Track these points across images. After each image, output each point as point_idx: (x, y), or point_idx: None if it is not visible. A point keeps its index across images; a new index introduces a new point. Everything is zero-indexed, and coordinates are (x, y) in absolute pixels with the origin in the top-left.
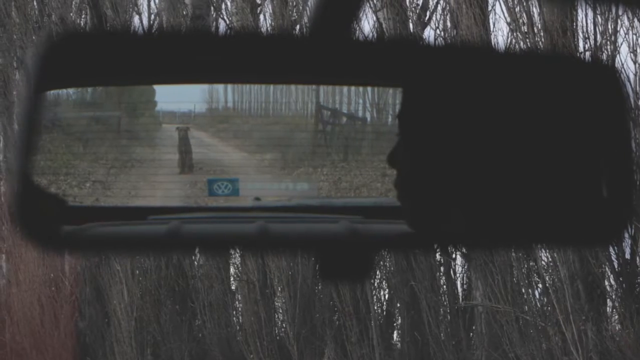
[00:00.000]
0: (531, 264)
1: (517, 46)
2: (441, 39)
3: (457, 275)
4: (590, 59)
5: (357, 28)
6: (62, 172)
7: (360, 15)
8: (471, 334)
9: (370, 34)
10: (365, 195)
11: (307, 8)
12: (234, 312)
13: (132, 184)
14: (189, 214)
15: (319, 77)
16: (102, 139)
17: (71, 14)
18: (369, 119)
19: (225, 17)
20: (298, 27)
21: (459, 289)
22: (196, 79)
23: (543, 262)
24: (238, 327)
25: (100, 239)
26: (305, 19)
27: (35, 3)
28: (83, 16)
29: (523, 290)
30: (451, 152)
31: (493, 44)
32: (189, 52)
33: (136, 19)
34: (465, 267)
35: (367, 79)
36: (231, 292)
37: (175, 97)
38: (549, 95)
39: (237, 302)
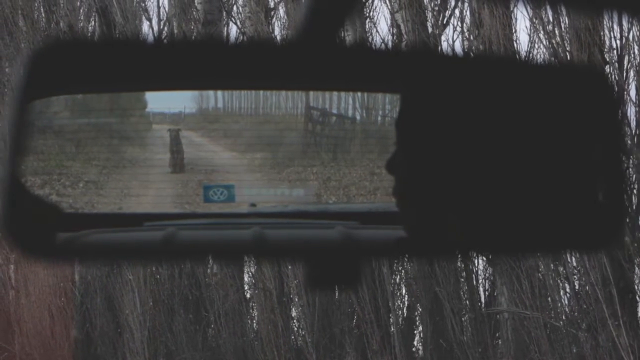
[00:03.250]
0: (560, 268)
1: (531, 50)
2: (439, 45)
3: (480, 280)
4: (580, 63)
5: (374, 30)
6: (55, 173)
7: (376, 17)
8: (496, 341)
9: (387, 37)
10: (361, 200)
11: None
12: (249, 321)
13: (125, 184)
14: (184, 220)
15: (313, 84)
16: (94, 141)
17: (80, 21)
18: (358, 118)
19: (237, 22)
20: (291, 33)
21: (482, 295)
22: (187, 86)
23: (572, 267)
24: (254, 336)
25: (96, 246)
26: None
27: (42, 12)
28: (91, 24)
29: (549, 295)
30: (449, 159)
31: (489, 51)
32: (180, 60)
33: (146, 25)
34: (489, 272)
35: (365, 86)
36: (246, 300)
37: (166, 99)
38: (544, 101)
39: (252, 311)
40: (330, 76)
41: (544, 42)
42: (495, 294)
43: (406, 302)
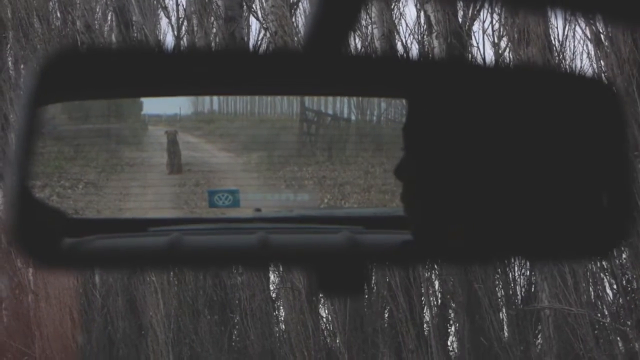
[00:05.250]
0: (604, 263)
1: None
2: (445, 53)
3: (517, 276)
4: (588, 74)
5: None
6: (55, 175)
7: (401, 9)
8: (535, 339)
9: (414, 28)
10: (366, 205)
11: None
12: (276, 321)
13: (123, 184)
14: (189, 225)
15: (320, 91)
16: (92, 144)
17: (96, 21)
18: (353, 118)
19: (260, 18)
20: (295, 41)
21: (519, 291)
22: (189, 92)
23: (617, 262)
24: (282, 337)
25: (101, 252)
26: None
27: (58, 12)
28: (108, 23)
29: (591, 291)
30: (457, 165)
31: (497, 58)
32: (182, 67)
33: (164, 22)
34: (528, 267)
35: (371, 92)
36: (272, 300)
37: (162, 101)
38: (551, 108)
39: (279, 311)
40: (337, 83)
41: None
42: (532, 290)
43: (439, 300)
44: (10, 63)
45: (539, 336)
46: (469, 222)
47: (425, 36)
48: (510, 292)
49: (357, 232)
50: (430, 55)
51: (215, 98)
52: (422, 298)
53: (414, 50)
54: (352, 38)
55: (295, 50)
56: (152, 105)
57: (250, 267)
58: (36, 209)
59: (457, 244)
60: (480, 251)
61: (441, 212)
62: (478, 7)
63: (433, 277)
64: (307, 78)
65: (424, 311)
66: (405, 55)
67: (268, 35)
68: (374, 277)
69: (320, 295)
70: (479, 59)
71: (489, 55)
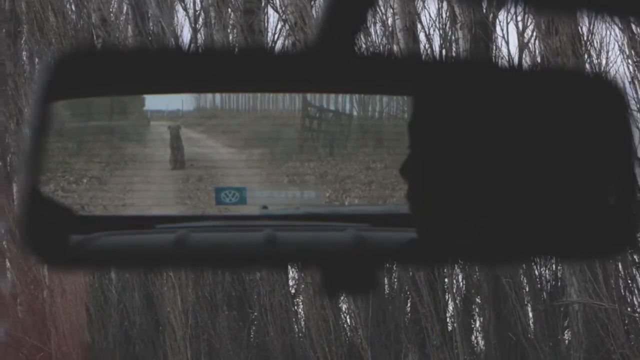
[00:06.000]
0: (635, 257)
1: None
2: (450, 51)
3: (543, 271)
4: (592, 72)
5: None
6: (59, 170)
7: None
8: (561, 335)
9: (437, 18)
10: (372, 203)
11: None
12: (296, 317)
13: (127, 179)
14: (196, 222)
15: (327, 88)
16: (96, 139)
17: (112, 14)
18: (355, 114)
19: (279, 10)
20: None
21: (546, 286)
22: (199, 90)
23: None
24: (300, 332)
25: (108, 249)
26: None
27: (73, 6)
28: (123, 16)
29: (622, 284)
30: (463, 163)
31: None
32: (192, 66)
33: (181, 15)
34: (553, 262)
35: (377, 90)
36: (291, 295)
37: (164, 96)
38: (556, 107)
39: (298, 306)
40: (344, 81)
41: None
42: (559, 284)
43: (463, 295)
44: (24, 57)
45: (567, 331)
46: (475, 220)
47: (448, 27)
48: (538, 287)
49: (363, 229)
50: (435, 53)
51: (217, 94)
52: (447, 293)
53: (436, 43)
54: (365, 33)
55: (301, 49)
56: (154, 101)
57: (257, 265)
58: (45, 206)
59: (464, 243)
60: (487, 250)
61: (447, 211)
62: (500, 6)
63: (458, 270)
64: (314, 77)
65: (448, 306)
66: (412, 53)
67: (287, 27)
68: (394, 273)
69: (327, 293)
70: (486, 58)
71: (514, 46)
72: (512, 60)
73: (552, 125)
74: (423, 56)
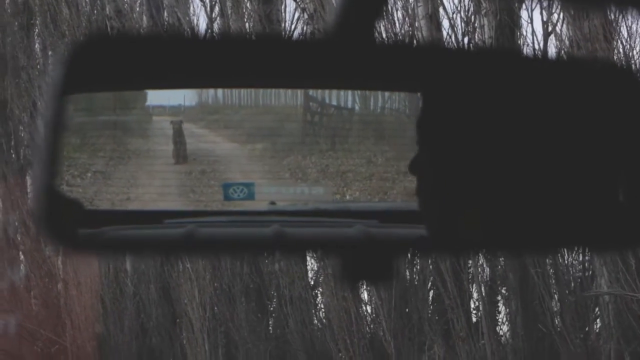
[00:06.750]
0: None
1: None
2: (463, 43)
3: (571, 262)
4: (606, 62)
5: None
6: (65, 164)
7: None
8: (588, 328)
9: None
10: (381, 199)
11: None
12: (315, 309)
13: (131, 174)
14: (205, 218)
15: (335, 83)
16: (100, 135)
17: (126, 4)
18: (357, 108)
19: None
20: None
21: (575, 276)
22: (210, 83)
23: None
24: (320, 325)
25: (118, 241)
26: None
27: None
28: (137, 7)
29: None
30: (472, 158)
31: (514, 49)
32: (208, 57)
33: (197, 4)
34: (585, 251)
35: (385, 85)
36: (310, 287)
37: (166, 92)
38: (568, 98)
39: (318, 298)
40: (352, 75)
41: None
42: (586, 275)
43: (488, 284)
44: (38, 50)
45: (597, 322)
46: (484, 215)
47: (472, 14)
48: (566, 278)
49: (371, 226)
50: (444, 46)
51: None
52: (472, 283)
53: (459, 32)
54: (386, 21)
55: (317, 40)
56: (156, 96)
57: (265, 259)
58: (59, 199)
59: (472, 238)
60: (495, 244)
61: (456, 208)
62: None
63: (483, 261)
64: (319, 73)
65: (473, 296)
66: (421, 49)
67: (305, 16)
68: (416, 264)
69: (347, 283)
70: (495, 49)
71: (539, 32)
72: (531, 50)
73: (564, 116)
74: (432, 52)
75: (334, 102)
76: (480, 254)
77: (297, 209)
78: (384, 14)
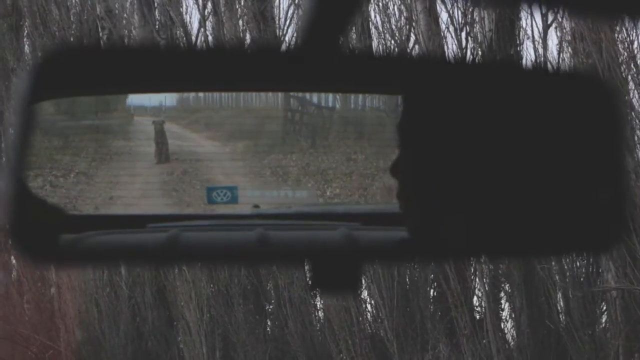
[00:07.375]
0: None
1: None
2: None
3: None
4: (580, 71)
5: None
6: (47, 166)
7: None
8: (596, 325)
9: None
10: (364, 202)
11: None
12: (315, 309)
13: (113, 174)
14: (188, 222)
15: (315, 87)
16: (82, 136)
17: (116, 4)
18: (337, 106)
19: None
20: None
21: (579, 272)
22: (183, 89)
23: None
24: (319, 324)
25: (100, 248)
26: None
27: None
28: (128, 5)
29: None
30: (453, 162)
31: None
32: (177, 64)
33: (190, 2)
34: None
35: (366, 89)
36: (309, 287)
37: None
38: (546, 105)
39: (317, 298)
40: (332, 80)
41: None
42: (591, 270)
43: (491, 282)
44: (27, 51)
45: (604, 318)
46: (465, 218)
47: (470, 7)
48: (570, 274)
49: (354, 228)
50: (424, 52)
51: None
52: (477, 281)
53: (457, 26)
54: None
55: (289, 48)
56: (137, 96)
57: (249, 264)
58: (34, 206)
59: (454, 241)
60: (477, 248)
61: (437, 210)
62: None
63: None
64: (302, 76)
65: (477, 294)
66: (401, 52)
67: (300, 12)
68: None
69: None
70: (474, 57)
71: (539, 26)
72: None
73: (542, 123)
74: (412, 55)
75: (315, 101)
76: (462, 259)
77: (280, 212)
78: (352, 26)
